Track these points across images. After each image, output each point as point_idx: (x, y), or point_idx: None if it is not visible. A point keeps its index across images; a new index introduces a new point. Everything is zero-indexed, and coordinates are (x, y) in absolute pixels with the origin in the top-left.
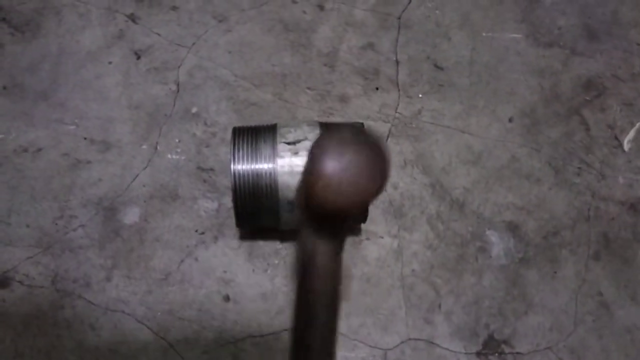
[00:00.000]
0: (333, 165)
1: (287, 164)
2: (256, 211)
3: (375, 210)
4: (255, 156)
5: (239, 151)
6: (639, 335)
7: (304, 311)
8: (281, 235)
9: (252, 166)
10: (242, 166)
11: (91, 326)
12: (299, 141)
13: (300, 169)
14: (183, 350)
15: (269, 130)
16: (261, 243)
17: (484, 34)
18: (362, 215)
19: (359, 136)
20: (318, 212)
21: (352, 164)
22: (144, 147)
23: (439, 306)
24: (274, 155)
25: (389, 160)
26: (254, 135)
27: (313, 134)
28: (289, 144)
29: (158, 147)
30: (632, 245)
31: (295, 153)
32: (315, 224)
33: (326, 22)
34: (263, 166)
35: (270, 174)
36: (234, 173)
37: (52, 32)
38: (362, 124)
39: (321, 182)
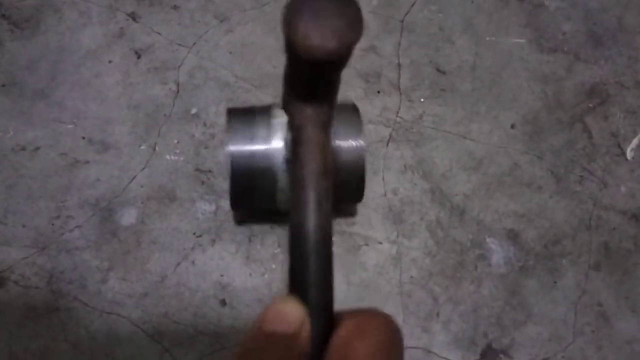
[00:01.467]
0: (310, 13)
1: (282, 144)
2: (251, 193)
3: (374, 215)
4: (250, 137)
5: (234, 132)
6: (639, 347)
7: (298, 192)
8: (279, 239)
9: (248, 147)
10: (237, 147)
11: (86, 329)
12: None
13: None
14: (178, 355)
15: (264, 111)
16: (259, 247)
17: (487, 39)
18: (359, 192)
19: None
20: (303, 65)
21: (327, 11)
22: (143, 147)
23: (437, 314)
24: (269, 136)
25: (361, 10)
26: (249, 116)
27: None
28: (284, 123)
29: (157, 148)
30: (633, 256)
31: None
32: (301, 87)
33: None
34: (258, 147)
35: (266, 154)
36: (230, 154)
37: (52, 30)
38: (353, 104)
39: (301, 32)
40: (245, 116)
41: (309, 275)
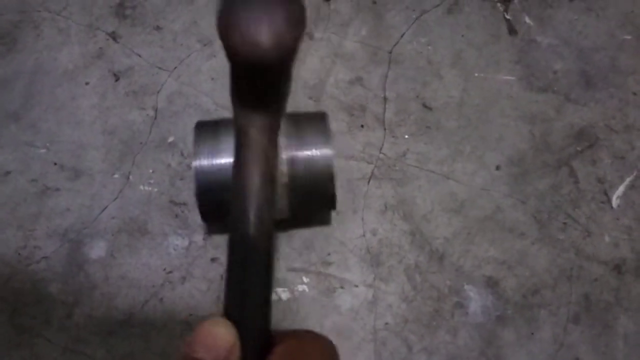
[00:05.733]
0: (245, 9)
1: None
2: (220, 207)
3: (351, 257)
4: (216, 151)
5: (200, 146)
6: None
7: (238, 200)
8: None
9: (214, 161)
10: (203, 161)
11: None
12: None
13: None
14: None
15: (230, 124)
16: None
17: (476, 74)
18: (330, 200)
19: None
20: (240, 67)
21: (264, 7)
22: (116, 176)
23: None
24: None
25: (304, 7)
26: (216, 130)
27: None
28: None
29: (130, 177)
30: (614, 309)
31: None
32: (243, 91)
33: (315, 52)
34: (224, 161)
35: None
36: (196, 169)
37: (29, 47)
38: (324, 112)
39: (234, 30)
40: (212, 130)
41: (246, 291)
